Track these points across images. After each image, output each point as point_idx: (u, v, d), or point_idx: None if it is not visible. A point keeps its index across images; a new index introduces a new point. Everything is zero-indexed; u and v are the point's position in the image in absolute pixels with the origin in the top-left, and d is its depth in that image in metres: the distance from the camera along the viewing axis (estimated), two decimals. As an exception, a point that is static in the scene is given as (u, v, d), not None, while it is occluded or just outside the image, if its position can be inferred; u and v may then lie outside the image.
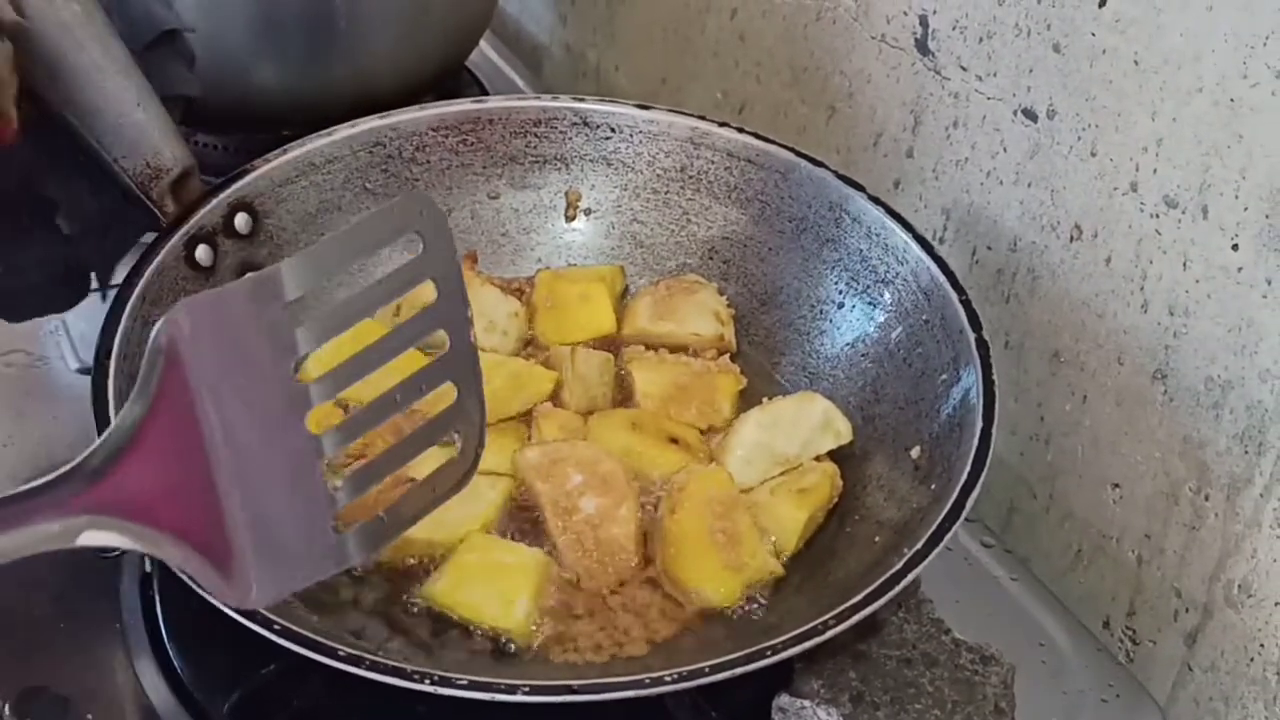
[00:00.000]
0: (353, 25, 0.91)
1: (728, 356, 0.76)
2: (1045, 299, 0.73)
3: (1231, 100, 0.59)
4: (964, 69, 0.75)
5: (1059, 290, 0.72)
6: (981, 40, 0.73)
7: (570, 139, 0.81)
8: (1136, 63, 0.64)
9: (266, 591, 0.47)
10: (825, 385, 0.73)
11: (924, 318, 0.69)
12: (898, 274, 0.71)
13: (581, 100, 0.81)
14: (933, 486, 0.61)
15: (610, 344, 0.77)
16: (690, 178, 0.80)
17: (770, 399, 0.72)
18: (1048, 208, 0.71)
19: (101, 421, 0.59)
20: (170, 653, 0.62)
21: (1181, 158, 0.63)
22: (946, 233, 0.79)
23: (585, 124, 0.81)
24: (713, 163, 0.79)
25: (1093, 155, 0.67)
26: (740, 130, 0.78)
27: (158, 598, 0.64)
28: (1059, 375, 0.73)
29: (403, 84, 0.98)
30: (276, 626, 0.52)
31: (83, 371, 0.76)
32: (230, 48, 0.78)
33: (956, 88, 0.75)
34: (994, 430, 0.61)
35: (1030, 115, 0.71)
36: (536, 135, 0.81)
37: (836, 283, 0.75)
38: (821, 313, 0.75)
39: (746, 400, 0.73)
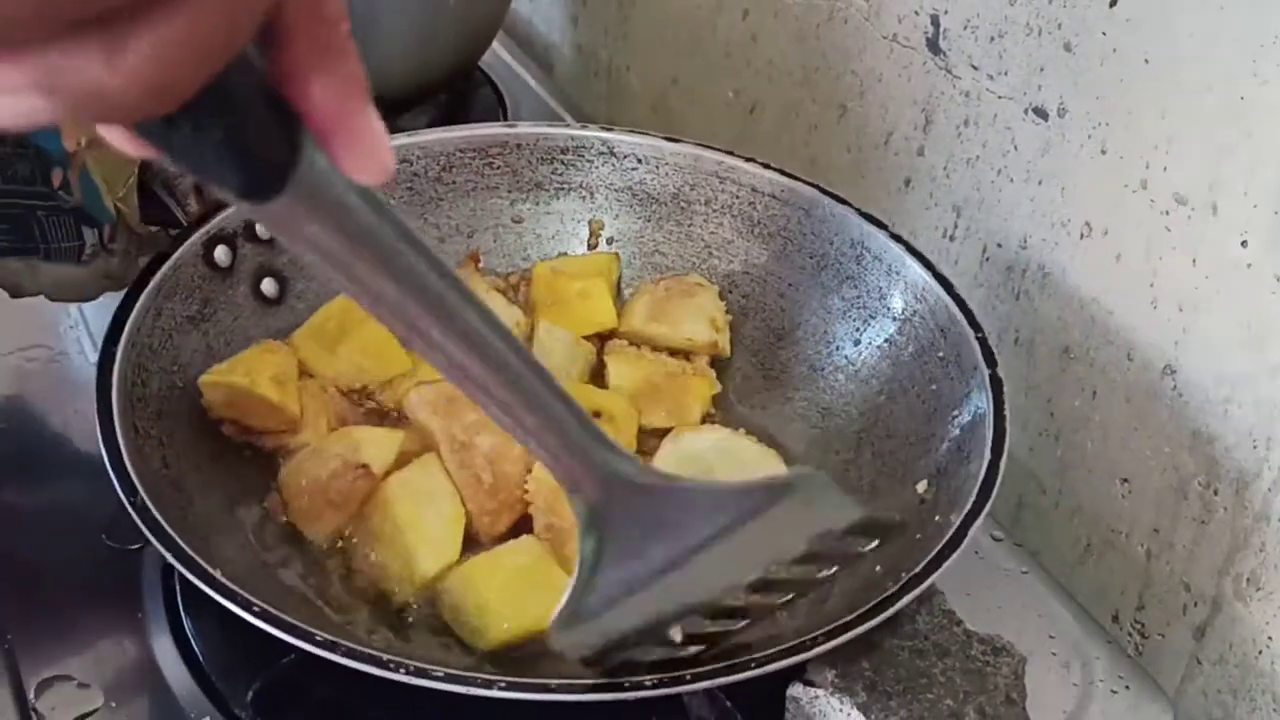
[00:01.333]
0: (367, 24, 0.91)
1: (707, 361, 0.77)
2: (1055, 295, 0.74)
3: (1241, 99, 0.60)
4: (975, 68, 0.75)
5: (1069, 287, 0.72)
6: (993, 39, 0.74)
7: (597, 168, 0.82)
8: (1147, 61, 0.65)
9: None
10: (838, 421, 0.73)
11: (939, 354, 0.70)
12: (915, 311, 0.72)
13: (610, 130, 0.82)
14: (937, 518, 0.62)
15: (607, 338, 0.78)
16: (714, 211, 0.81)
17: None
18: (1058, 205, 0.72)
19: (104, 402, 0.60)
20: (192, 642, 0.63)
21: (1191, 155, 0.63)
22: (957, 230, 0.80)
23: (612, 154, 0.82)
24: (737, 197, 0.80)
25: (1103, 153, 0.68)
26: (766, 166, 0.79)
27: (179, 588, 0.65)
28: (1069, 371, 0.74)
29: (417, 83, 0.99)
30: (255, 609, 0.53)
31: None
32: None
33: (968, 86, 0.76)
34: (1002, 462, 0.61)
35: (1041, 114, 0.72)
36: (564, 163, 0.82)
37: (854, 319, 0.75)
38: (837, 349, 0.76)
39: (725, 409, 0.75)
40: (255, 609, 0.53)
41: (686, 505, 0.51)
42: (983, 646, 0.61)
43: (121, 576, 0.66)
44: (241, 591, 0.53)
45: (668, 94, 1.08)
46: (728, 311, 0.79)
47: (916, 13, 0.79)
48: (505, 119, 1.09)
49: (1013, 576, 0.74)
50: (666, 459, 0.69)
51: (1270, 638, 0.64)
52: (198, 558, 0.55)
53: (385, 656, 0.51)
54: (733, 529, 0.52)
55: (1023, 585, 0.73)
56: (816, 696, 0.58)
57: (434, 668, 0.51)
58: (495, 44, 1.09)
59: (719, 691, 0.60)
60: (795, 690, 0.58)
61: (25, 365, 0.79)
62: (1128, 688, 0.68)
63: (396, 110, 1.01)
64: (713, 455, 0.69)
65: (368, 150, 0.32)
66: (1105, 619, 0.73)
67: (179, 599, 0.65)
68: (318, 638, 0.52)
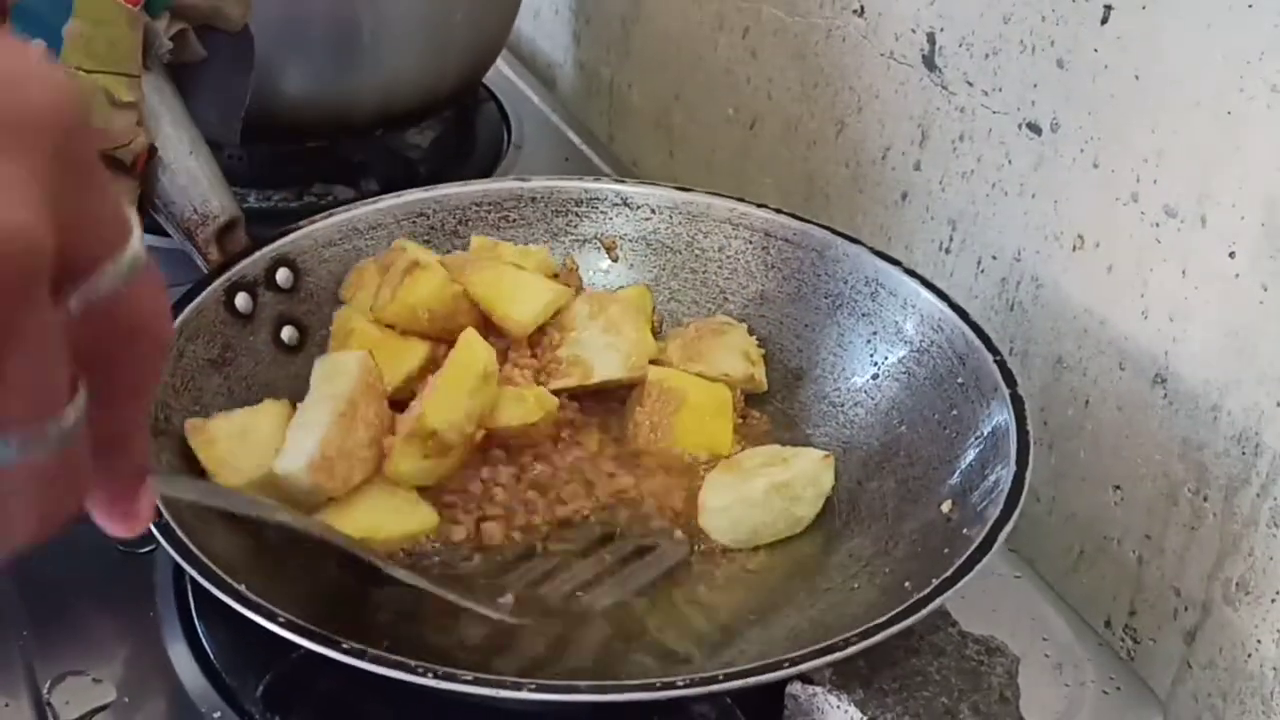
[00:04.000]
0: (377, 39, 0.93)
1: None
2: (1048, 307, 0.75)
3: (1229, 113, 0.62)
4: (970, 84, 0.77)
5: (1062, 298, 0.74)
6: (987, 56, 0.75)
7: (611, 219, 0.83)
8: (1137, 78, 0.66)
9: None
10: (860, 453, 0.73)
11: (959, 380, 0.70)
12: (933, 342, 0.73)
13: (623, 182, 0.84)
14: (964, 531, 0.63)
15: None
16: (728, 257, 0.82)
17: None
18: (1051, 218, 0.73)
19: None
20: (202, 639, 0.64)
21: (1181, 169, 0.65)
22: (952, 243, 0.81)
23: (626, 204, 0.83)
24: (750, 242, 0.81)
25: (1095, 167, 0.70)
26: (778, 211, 0.80)
27: (190, 588, 0.66)
28: (1062, 381, 0.75)
29: (423, 98, 1.01)
30: (281, 620, 0.53)
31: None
32: (256, 58, 0.80)
33: (963, 102, 0.78)
34: (1028, 474, 0.62)
35: (1034, 129, 0.73)
36: (578, 214, 0.83)
37: (872, 354, 0.76)
38: (856, 384, 0.76)
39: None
40: (281, 619, 0.53)
41: None
42: (977, 647, 0.62)
43: (134, 577, 0.67)
44: (266, 603, 0.54)
45: (669, 110, 1.10)
46: (759, 346, 0.80)
47: (913, 30, 0.80)
48: (509, 135, 1.11)
49: (1006, 582, 0.75)
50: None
51: (1259, 641, 0.65)
52: (222, 573, 0.56)
53: (413, 662, 0.52)
54: None
55: (1016, 590, 0.74)
56: (815, 694, 0.59)
57: (462, 672, 0.52)
58: (499, 61, 1.11)
59: (720, 689, 0.62)
60: (794, 688, 0.60)
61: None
62: (1119, 689, 0.69)
63: (402, 126, 1.03)
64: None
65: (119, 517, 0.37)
66: (1098, 623, 0.74)
67: (190, 600, 0.66)
68: (344, 645, 0.53)
